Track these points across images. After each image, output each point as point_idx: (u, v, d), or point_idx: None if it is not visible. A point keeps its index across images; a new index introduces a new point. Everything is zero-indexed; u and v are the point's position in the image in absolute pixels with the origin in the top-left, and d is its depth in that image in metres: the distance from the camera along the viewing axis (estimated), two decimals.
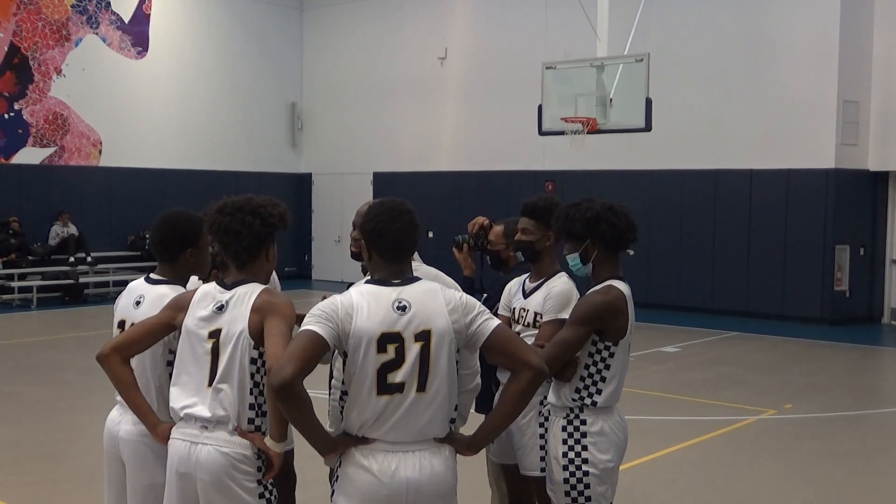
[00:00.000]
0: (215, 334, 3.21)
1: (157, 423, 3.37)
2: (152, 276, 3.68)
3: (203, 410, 3.17)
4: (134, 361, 3.52)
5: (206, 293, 3.30)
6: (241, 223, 3.24)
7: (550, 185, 17.10)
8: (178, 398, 3.25)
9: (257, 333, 3.16)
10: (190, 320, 3.27)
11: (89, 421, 8.12)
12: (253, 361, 3.18)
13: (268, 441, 3.14)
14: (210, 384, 3.19)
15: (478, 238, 4.68)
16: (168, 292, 3.53)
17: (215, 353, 3.20)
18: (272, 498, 3.22)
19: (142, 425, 3.43)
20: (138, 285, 3.68)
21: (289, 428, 3.26)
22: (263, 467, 3.18)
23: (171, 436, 3.26)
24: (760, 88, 15.18)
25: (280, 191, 19.05)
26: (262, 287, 3.28)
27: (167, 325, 3.37)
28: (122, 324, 3.62)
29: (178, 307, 3.34)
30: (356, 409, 2.99)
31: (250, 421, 3.18)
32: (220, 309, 3.23)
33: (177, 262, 3.64)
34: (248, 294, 3.23)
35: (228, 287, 3.28)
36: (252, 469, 3.16)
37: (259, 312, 3.18)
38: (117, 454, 3.54)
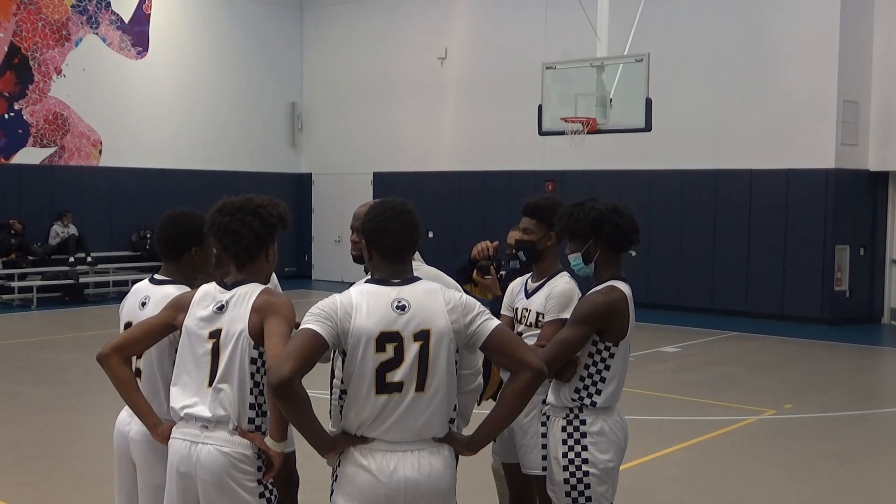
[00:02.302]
0: (215, 334, 3.22)
1: (158, 422, 3.37)
2: (157, 276, 3.69)
3: (203, 410, 3.18)
4: (142, 361, 3.53)
5: (206, 293, 3.30)
6: (240, 223, 3.24)
7: (550, 185, 17.10)
8: (179, 398, 3.25)
9: (257, 333, 3.17)
10: (190, 320, 3.27)
11: (89, 421, 8.13)
12: (253, 361, 3.18)
13: (268, 441, 3.14)
14: (210, 384, 3.19)
15: (496, 260, 4.68)
16: (173, 292, 3.53)
17: (215, 353, 3.21)
18: (272, 497, 3.23)
19: None
20: (143, 286, 3.68)
21: (289, 430, 3.26)
22: (264, 467, 3.19)
23: (171, 435, 3.26)
24: (760, 88, 15.18)
25: (280, 191, 19.05)
26: (263, 287, 3.28)
27: (167, 325, 3.37)
28: (128, 325, 3.62)
29: (179, 307, 3.34)
30: (355, 408, 3.00)
31: (250, 421, 3.19)
32: (221, 309, 3.23)
33: (181, 261, 3.65)
34: (248, 294, 3.24)
35: (228, 287, 3.28)
36: (252, 469, 3.16)
37: (259, 312, 3.18)
38: (128, 454, 3.55)
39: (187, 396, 3.23)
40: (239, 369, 3.18)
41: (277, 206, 3.34)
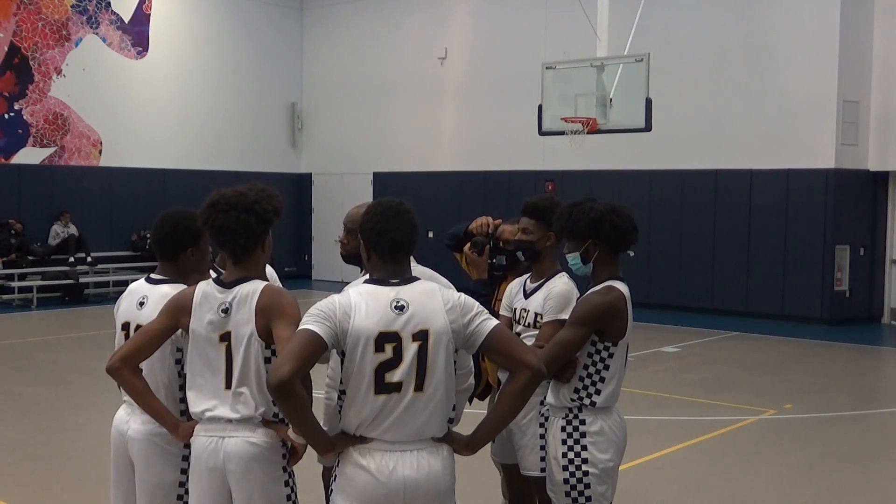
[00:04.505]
0: (226, 337, 3.22)
1: (177, 423, 3.38)
2: (153, 276, 3.68)
3: (226, 412, 3.20)
4: (143, 363, 3.52)
5: (206, 294, 3.29)
6: (235, 221, 3.22)
7: (550, 185, 17.10)
8: (197, 402, 3.26)
9: (266, 334, 3.17)
10: (197, 324, 3.26)
11: (89, 421, 8.13)
12: (267, 360, 3.20)
13: (290, 433, 3.16)
14: (228, 386, 3.21)
15: (493, 240, 4.55)
16: (171, 291, 3.52)
17: (229, 356, 3.21)
18: (294, 486, 3.27)
19: (151, 424, 3.46)
20: (139, 286, 3.67)
21: None
22: (288, 454, 3.23)
23: (195, 433, 3.26)
24: (760, 88, 15.17)
25: (280, 191, 18.80)
26: (263, 284, 3.26)
27: (171, 329, 3.36)
28: (125, 326, 3.62)
29: (181, 309, 3.32)
30: (354, 409, 3.00)
31: (275, 414, 3.22)
32: (226, 312, 3.23)
33: (178, 261, 3.64)
34: (250, 294, 3.22)
35: (228, 286, 3.27)
36: (278, 457, 3.21)
37: (264, 315, 3.18)
38: (125, 453, 3.55)
39: (205, 400, 3.24)
40: (255, 371, 3.19)
41: (272, 199, 3.31)
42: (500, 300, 4.50)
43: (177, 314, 3.33)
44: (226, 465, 3.17)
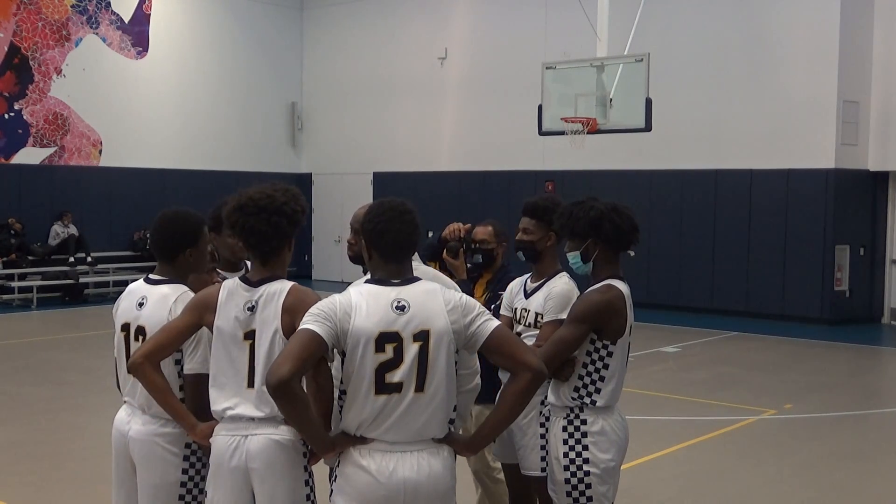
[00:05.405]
0: (250, 335, 3.22)
1: (195, 423, 3.37)
2: (151, 276, 3.68)
3: (248, 409, 3.19)
4: None
5: (232, 292, 3.29)
6: (266, 224, 3.22)
7: (550, 185, 17.10)
8: (218, 400, 3.25)
9: (290, 333, 3.16)
10: (223, 322, 3.26)
11: (89, 421, 8.13)
12: None
13: None
14: (250, 384, 3.21)
15: (467, 242, 4.76)
16: (170, 292, 3.54)
17: (252, 354, 3.21)
18: (313, 486, 3.26)
19: (153, 425, 3.47)
20: (138, 287, 3.68)
21: None
22: (308, 453, 3.22)
23: (215, 433, 3.25)
24: (760, 88, 15.17)
25: None
26: (290, 284, 3.28)
27: (194, 326, 3.36)
28: (125, 326, 3.62)
29: (205, 307, 3.32)
30: (354, 409, 3.00)
31: None
32: (252, 310, 3.24)
33: (176, 262, 3.64)
34: (276, 293, 3.23)
35: (254, 284, 3.28)
36: (300, 456, 3.20)
37: (290, 314, 3.18)
38: (127, 454, 3.55)
39: (227, 398, 3.23)
40: None
41: (298, 199, 3.32)
42: (479, 299, 4.65)
43: (201, 311, 3.33)
44: (248, 464, 3.16)
